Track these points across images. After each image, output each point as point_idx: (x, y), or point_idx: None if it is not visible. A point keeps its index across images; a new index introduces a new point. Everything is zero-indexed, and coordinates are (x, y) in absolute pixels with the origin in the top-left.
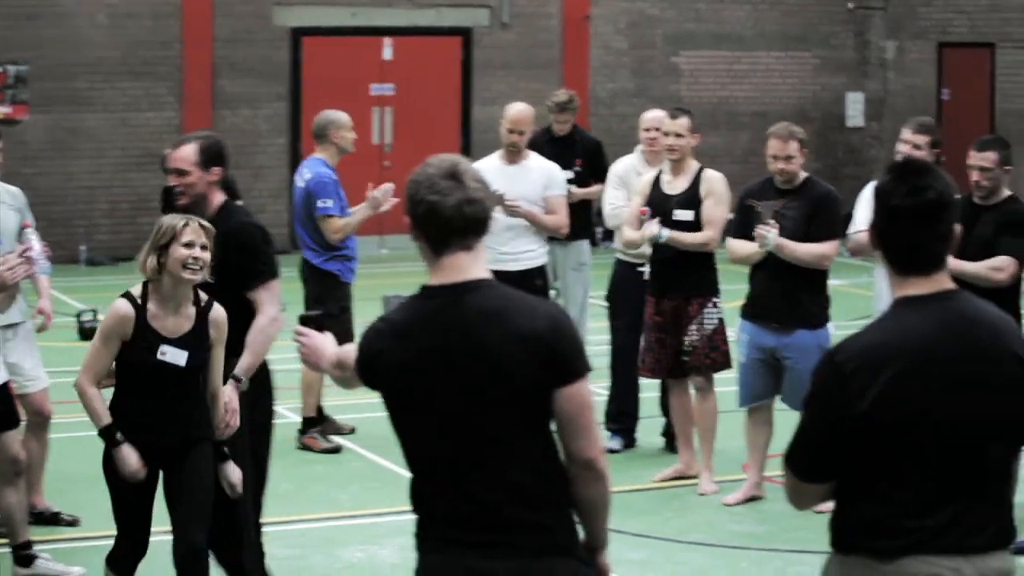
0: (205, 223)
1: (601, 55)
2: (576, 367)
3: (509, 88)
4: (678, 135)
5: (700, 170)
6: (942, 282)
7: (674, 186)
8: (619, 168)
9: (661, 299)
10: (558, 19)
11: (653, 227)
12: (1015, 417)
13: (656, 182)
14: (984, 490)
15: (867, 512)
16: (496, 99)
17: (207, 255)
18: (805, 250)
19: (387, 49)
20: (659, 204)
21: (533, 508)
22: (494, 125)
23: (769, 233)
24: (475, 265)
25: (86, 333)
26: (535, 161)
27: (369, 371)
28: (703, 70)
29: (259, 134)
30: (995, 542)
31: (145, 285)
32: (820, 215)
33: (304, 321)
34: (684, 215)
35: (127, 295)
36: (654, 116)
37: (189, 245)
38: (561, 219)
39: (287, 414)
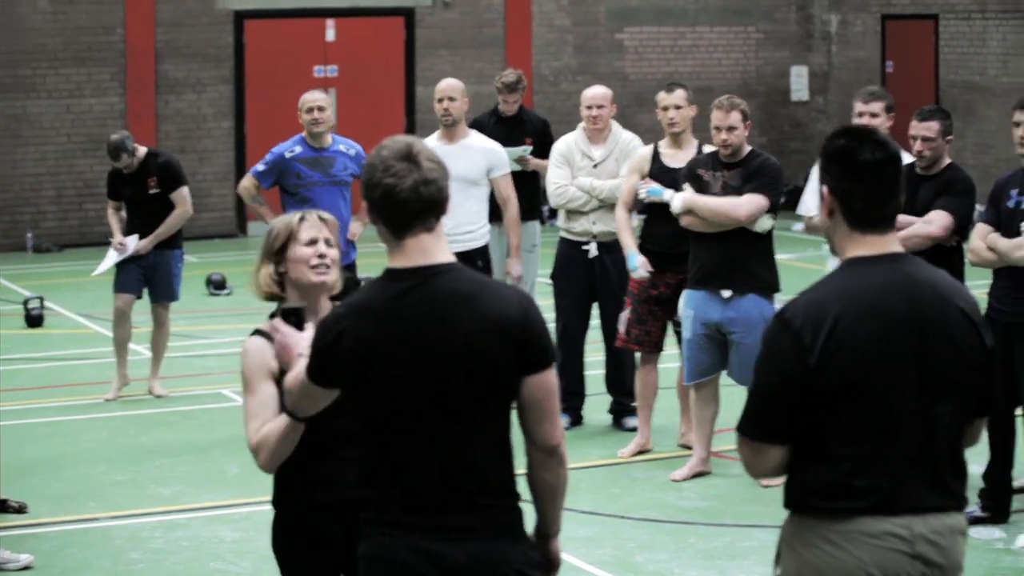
0: (325, 214)
1: (544, 33)
2: (547, 355)
3: (453, 68)
4: (677, 107)
5: (700, 145)
6: (892, 244)
7: (676, 159)
8: (561, 146)
9: (665, 273)
10: None
11: (653, 186)
12: (961, 378)
13: (655, 156)
14: (935, 450)
15: (820, 473)
16: (440, 79)
17: (335, 252)
18: (717, 202)
19: (330, 31)
20: (663, 177)
21: (491, 491)
22: None
23: (659, 191)
24: (439, 247)
25: (33, 321)
26: (477, 141)
27: (326, 355)
28: (647, 46)
29: (204, 118)
30: (947, 502)
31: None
32: (754, 179)
33: (285, 314)
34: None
35: (257, 332)
36: (596, 93)
37: (312, 243)
38: (511, 201)
39: (233, 397)
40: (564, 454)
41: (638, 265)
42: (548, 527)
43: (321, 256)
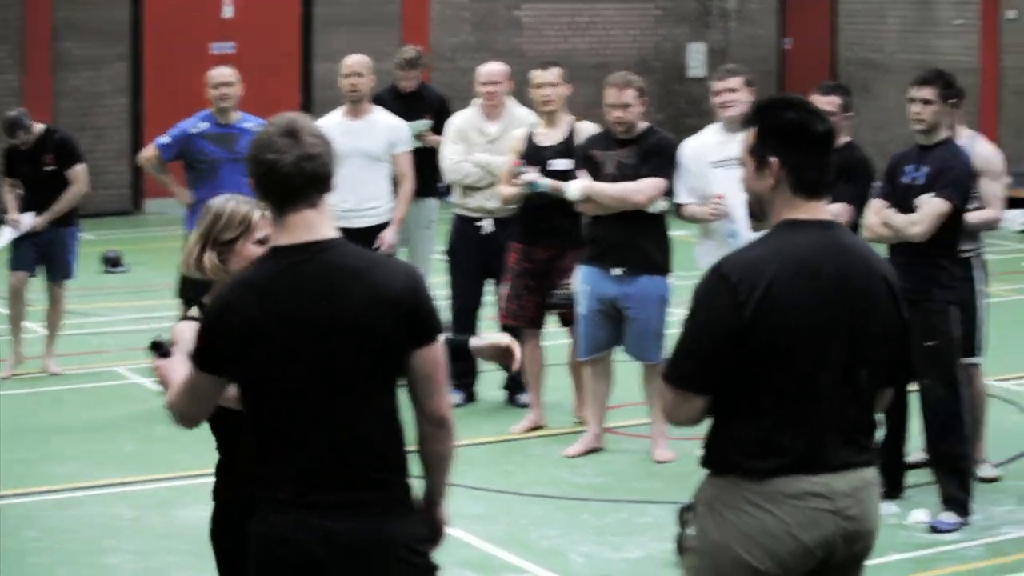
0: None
1: (442, 9)
2: (434, 328)
3: (349, 44)
4: (552, 85)
5: (574, 122)
6: (825, 212)
7: (549, 137)
8: (457, 122)
9: (533, 247)
10: None
11: (529, 175)
12: (880, 346)
13: (530, 136)
14: (853, 412)
15: (741, 432)
16: (337, 55)
17: None
18: (615, 188)
19: (227, 7)
20: (534, 156)
21: (383, 465)
22: (335, 82)
23: (536, 178)
24: (324, 223)
25: None
26: (381, 117)
27: (213, 335)
28: (545, 23)
29: (101, 95)
30: (863, 458)
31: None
32: (651, 159)
33: (154, 347)
34: (561, 164)
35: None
36: (491, 69)
37: (263, 242)
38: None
39: (129, 375)
40: (453, 425)
41: (533, 177)
42: (436, 496)
43: None
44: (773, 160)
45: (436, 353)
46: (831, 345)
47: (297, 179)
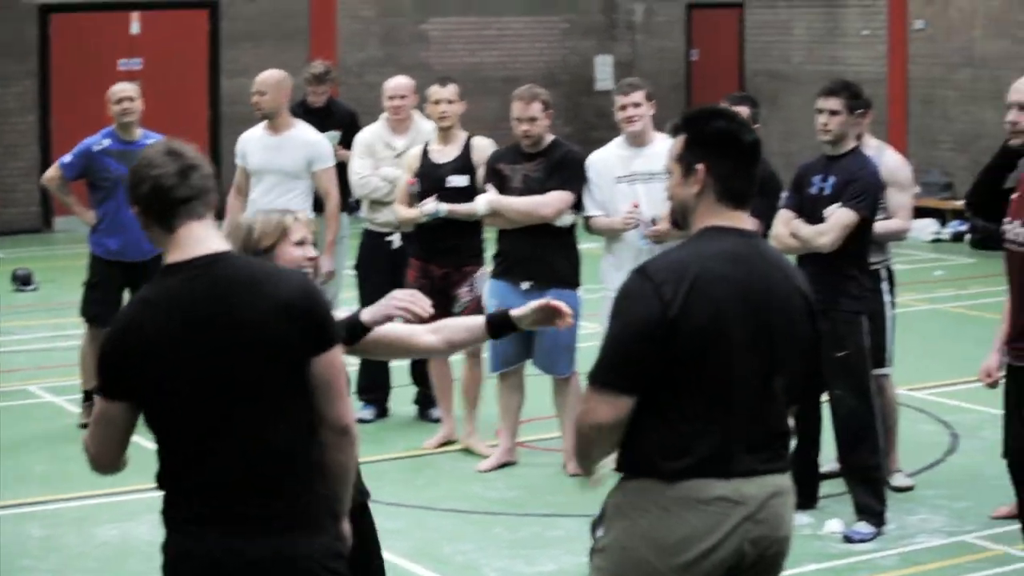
0: (301, 215)
1: (349, 24)
2: (332, 333)
3: (257, 60)
4: (449, 101)
5: (469, 137)
6: (747, 221)
7: (445, 154)
8: (365, 136)
9: (428, 265)
10: None
11: (430, 206)
12: (795, 357)
13: (424, 154)
14: (767, 418)
15: (657, 435)
16: (244, 71)
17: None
18: (523, 202)
19: (135, 24)
20: (430, 173)
21: (290, 477)
22: (243, 97)
23: (437, 206)
24: (212, 236)
25: None
26: (299, 132)
27: (117, 357)
28: (452, 36)
29: (9, 112)
30: (776, 465)
31: None
32: (558, 173)
33: None
34: (459, 180)
35: None
36: (398, 84)
37: (301, 243)
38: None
39: (41, 393)
40: (356, 434)
41: (433, 208)
42: (341, 508)
43: (311, 260)
44: (700, 167)
45: (335, 359)
46: (750, 352)
47: (182, 191)
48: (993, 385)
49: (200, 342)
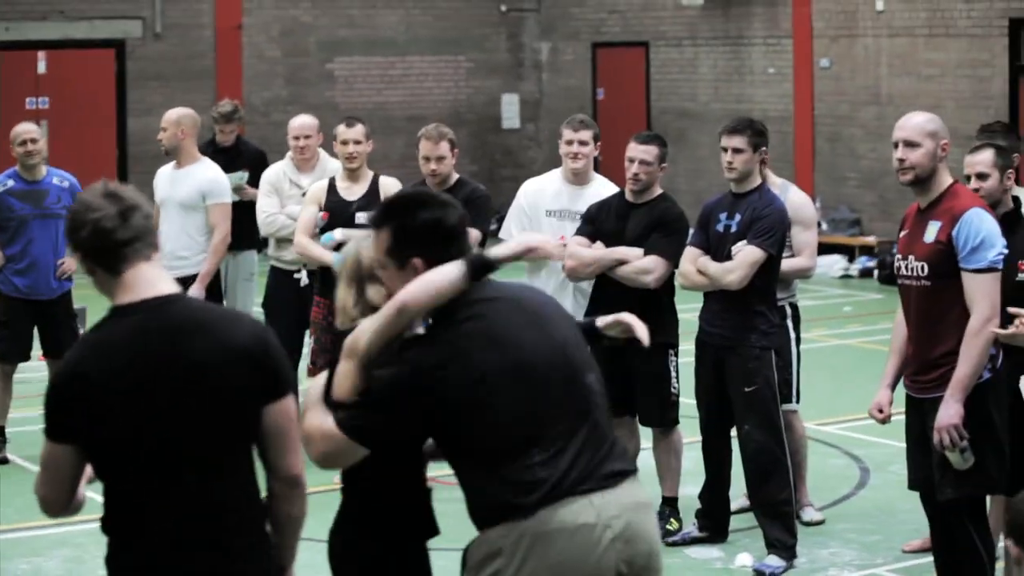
0: None
1: (255, 64)
2: (285, 381)
3: (164, 99)
4: (356, 142)
5: (376, 176)
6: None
7: (353, 192)
8: (270, 175)
9: (333, 301)
10: (211, 29)
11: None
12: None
13: (331, 188)
14: (595, 424)
15: (498, 482)
16: (151, 110)
17: None
18: None
19: (41, 63)
20: (339, 210)
21: (238, 530)
22: (150, 136)
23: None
24: (162, 278)
25: None
26: (201, 167)
27: (62, 397)
28: (357, 76)
29: None
30: (622, 470)
31: None
32: (465, 210)
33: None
34: (366, 218)
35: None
36: (302, 123)
37: None
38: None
39: None
40: (305, 485)
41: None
42: (287, 559)
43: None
44: (417, 260)
45: (289, 408)
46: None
47: (123, 232)
48: (885, 421)
49: (149, 387)
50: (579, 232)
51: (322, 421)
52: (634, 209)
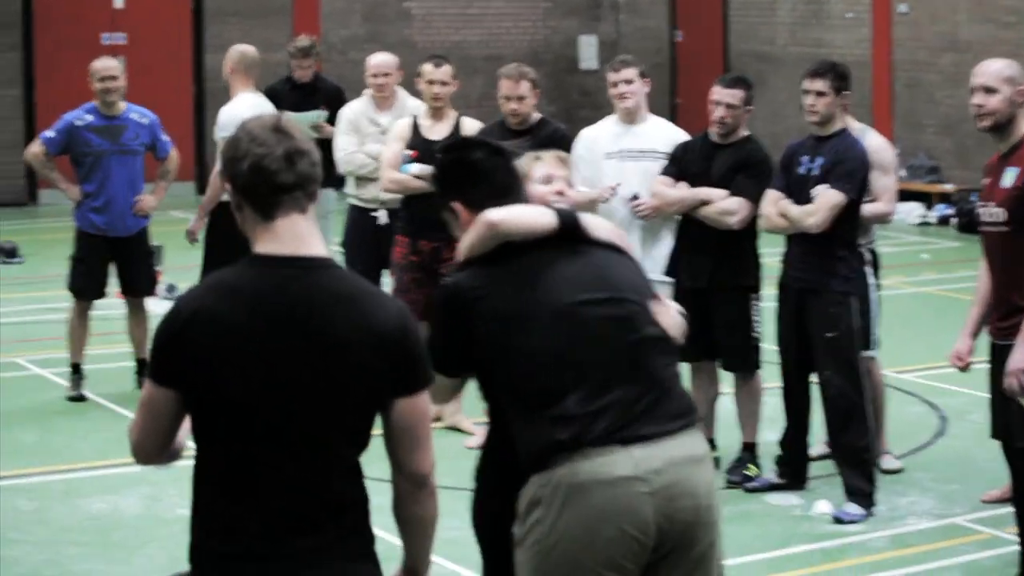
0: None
1: (332, 1)
2: (423, 376)
3: (241, 35)
4: (443, 83)
5: (459, 117)
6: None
7: (436, 131)
8: (349, 113)
9: (418, 240)
10: None
11: (428, 168)
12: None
13: (415, 127)
14: (647, 374)
15: (535, 425)
16: (228, 46)
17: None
18: None
19: None
20: (422, 149)
21: (344, 513)
22: None
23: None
24: (315, 236)
25: None
26: (229, 103)
27: (175, 339)
28: (435, 15)
29: None
30: (676, 422)
31: None
32: (545, 149)
33: None
34: None
35: None
36: (381, 61)
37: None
38: None
39: (28, 366)
40: (434, 485)
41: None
42: (417, 565)
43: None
44: (456, 204)
45: (422, 404)
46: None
47: (287, 175)
48: (965, 369)
49: (274, 350)
50: (664, 172)
51: None
52: (719, 150)
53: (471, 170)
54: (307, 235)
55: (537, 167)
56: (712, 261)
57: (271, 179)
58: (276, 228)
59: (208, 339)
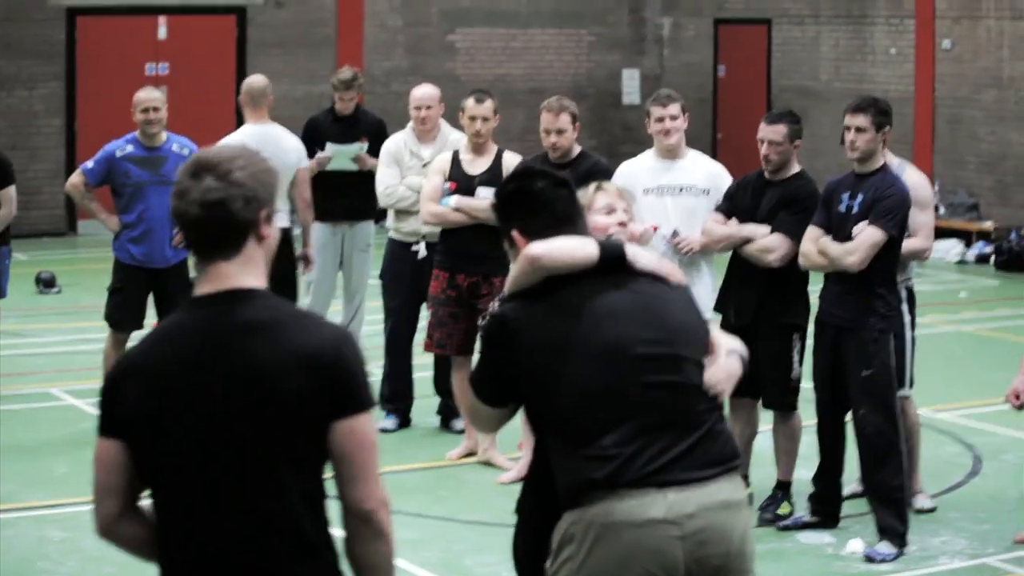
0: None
1: (376, 33)
2: (359, 398)
3: (285, 66)
4: (485, 119)
5: (500, 151)
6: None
7: (476, 165)
8: (391, 146)
9: (455, 275)
10: None
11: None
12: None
13: (455, 161)
14: (688, 416)
15: (570, 461)
16: (271, 78)
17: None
18: None
19: (162, 28)
20: (462, 183)
21: (300, 553)
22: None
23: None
24: (243, 272)
25: None
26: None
27: (117, 388)
28: (479, 48)
29: (34, 115)
30: (714, 468)
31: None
32: (585, 183)
33: None
34: (488, 193)
35: None
36: (424, 93)
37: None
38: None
39: (63, 396)
40: (381, 524)
41: (450, 202)
42: None
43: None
44: (515, 233)
45: (361, 428)
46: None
47: (204, 225)
48: (1022, 407)
49: (200, 388)
50: (717, 209)
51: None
52: (769, 187)
53: (533, 199)
54: (233, 273)
55: (599, 197)
56: (758, 298)
57: (190, 227)
58: (207, 270)
59: (140, 387)
